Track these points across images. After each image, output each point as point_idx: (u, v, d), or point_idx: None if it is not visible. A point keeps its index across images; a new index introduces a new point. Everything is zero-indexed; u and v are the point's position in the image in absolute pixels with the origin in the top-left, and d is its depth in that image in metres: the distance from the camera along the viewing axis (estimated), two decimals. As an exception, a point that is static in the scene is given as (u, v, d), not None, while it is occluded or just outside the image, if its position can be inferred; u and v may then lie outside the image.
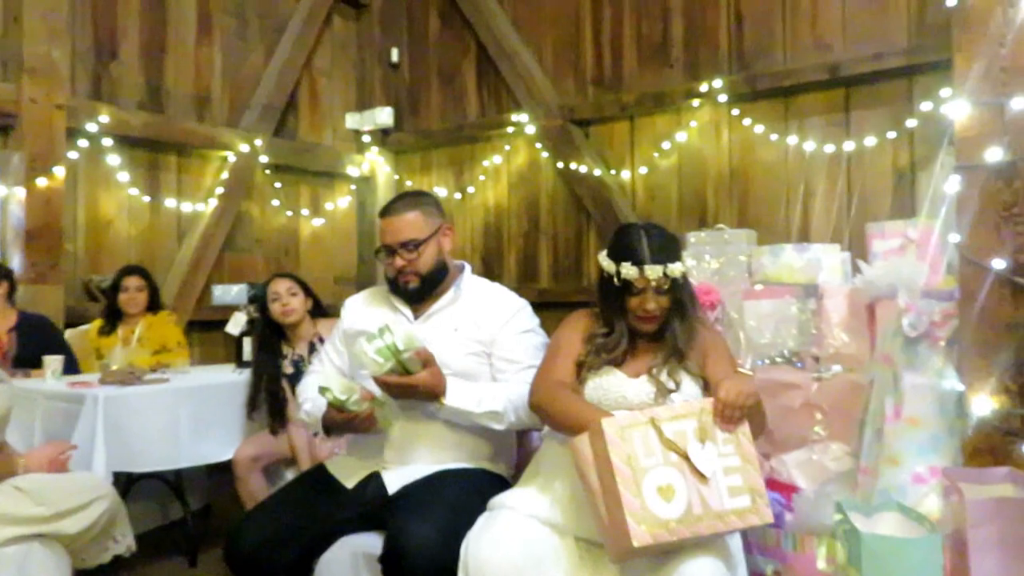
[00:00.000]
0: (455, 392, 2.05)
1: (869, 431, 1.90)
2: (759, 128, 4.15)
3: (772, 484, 2.14)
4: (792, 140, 4.05)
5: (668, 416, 1.65)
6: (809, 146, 4.00)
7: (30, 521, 2.09)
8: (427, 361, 2.01)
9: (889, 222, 2.46)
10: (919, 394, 1.81)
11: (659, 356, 1.92)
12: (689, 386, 1.90)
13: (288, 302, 3.30)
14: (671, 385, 1.87)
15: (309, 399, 2.23)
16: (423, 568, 1.79)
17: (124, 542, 2.35)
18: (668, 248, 1.89)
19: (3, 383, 2.19)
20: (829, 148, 3.93)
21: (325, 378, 2.11)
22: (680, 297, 1.92)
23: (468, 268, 2.31)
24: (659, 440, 1.62)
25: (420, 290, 2.18)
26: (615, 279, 1.88)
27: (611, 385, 1.89)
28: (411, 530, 1.84)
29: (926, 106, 3.61)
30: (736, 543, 1.82)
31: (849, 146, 3.87)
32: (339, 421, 2.09)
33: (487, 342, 2.17)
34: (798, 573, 1.96)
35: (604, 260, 1.92)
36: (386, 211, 2.21)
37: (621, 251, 1.89)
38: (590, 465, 1.64)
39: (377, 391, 2.05)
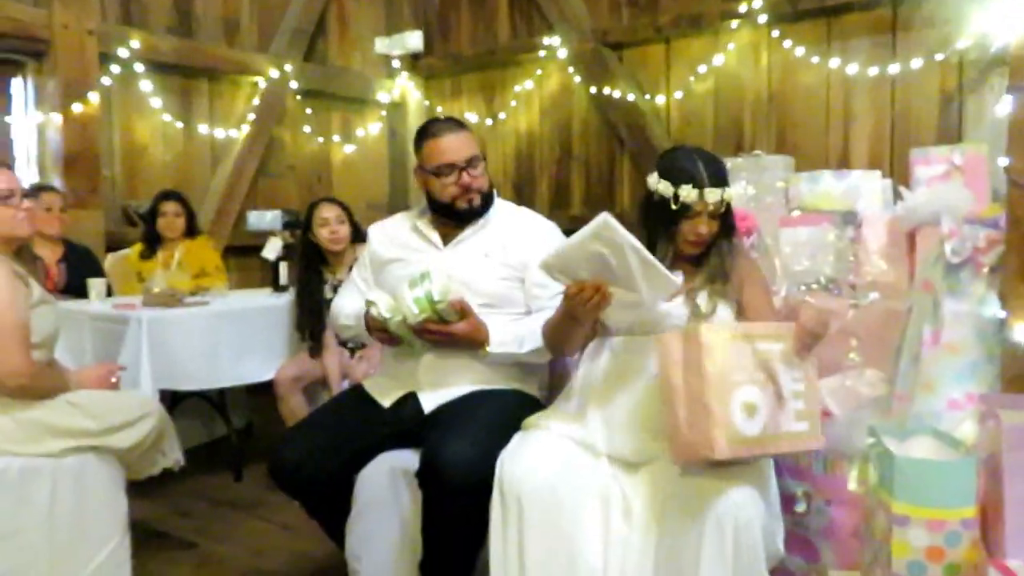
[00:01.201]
0: (498, 338, 2.08)
1: (905, 357, 1.90)
2: (800, 50, 4.02)
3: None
4: (834, 63, 3.93)
5: (761, 334, 1.66)
6: (852, 69, 3.87)
7: (83, 434, 2.18)
8: (464, 312, 2.03)
9: (934, 148, 2.39)
10: (959, 320, 1.80)
11: (697, 279, 1.92)
12: (724, 311, 1.90)
13: (337, 229, 3.32)
14: (707, 309, 1.87)
15: (349, 315, 2.29)
16: (458, 483, 1.85)
17: (172, 455, 2.45)
18: (723, 172, 1.89)
19: (49, 304, 2.25)
20: (873, 71, 3.81)
21: (377, 294, 2.13)
22: (729, 222, 1.92)
23: (495, 193, 2.31)
24: (753, 356, 1.62)
25: (480, 209, 2.20)
26: (672, 202, 1.85)
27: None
28: (447, 447, 1.89)
29: (978, 26, 3.46)
30: (767, 463, 1.85)
31: (894, 69, 3.75)
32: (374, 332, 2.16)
33: (519, 267, 2.18)
34: (828, 495, 1.99)
35: (659, 183, 1.88)
36: (439, 131, 2.17)
37: (678, 174, 1.86)
38: (677, 365, 1.64)
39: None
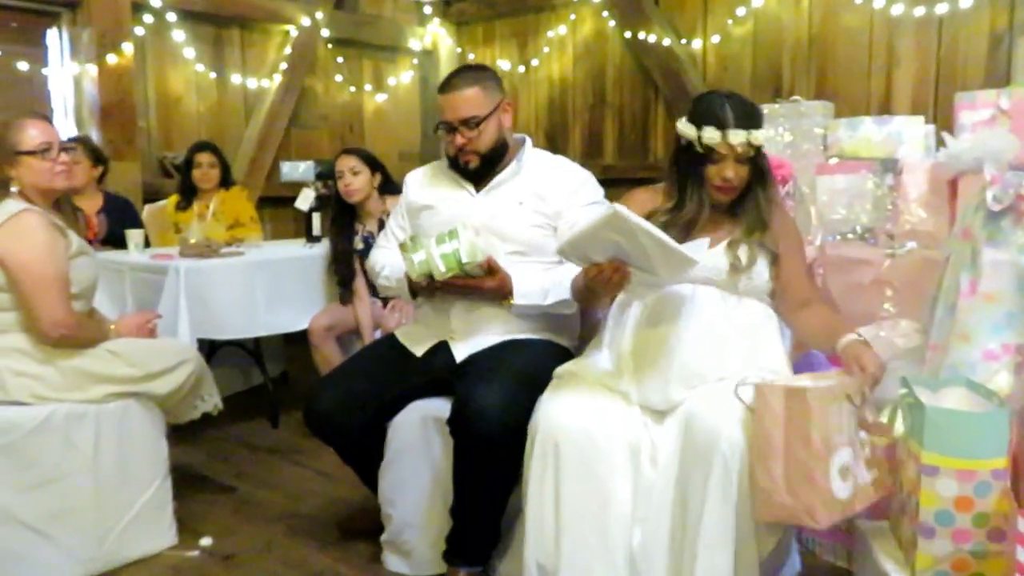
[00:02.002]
0: (523, 290, 2.08)
1: (941, 307, 1.86)
2: (843, -10, 3.88)
3: (835, 360, 2.14)
4: (878, 3, 3.78)
5: (856, 390, 1.61)
6: (897, 9, 3.73)
7: (124, 380, 2.25)
8: (492, 269, 2.04)
9: (980, 92, 2.30)
10: (998, 270, 1.75)
11: (737, 230, 1.89)
12: (762, 265, 1.87)
13: (350, 181, 3.28)
14: (747, 262, 1.85)
15: (387, 265, 2.30)
16: (488, 431, 1.89)
17: (211, 401, 2.51)
18: (752, 115, 1.82)
19: (88, 255, 2.30)
20: (919, 11, 3.67)
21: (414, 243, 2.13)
22: (762, 167, 1.87)
23: (529, 141, 2.28)
24: (851, 417, 1.58)
25: (480, 169, 2.18)
26: (696, 145, 1.81)
27: None
28: (477, 395, 1.92)
29: (1032, -39, 3.31)
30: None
31: (942, 8, 3.60)
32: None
33: (552, 215, 2.17)
34: (858, 445, 1.98)
35: (684, 125, 1.85)
36: (446, 86, 2.16)
37: (703, 116, 1.81)
38: (779, 424, 1.54)
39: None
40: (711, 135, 1.78)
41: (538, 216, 2.17)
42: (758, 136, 1.80)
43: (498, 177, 2.20)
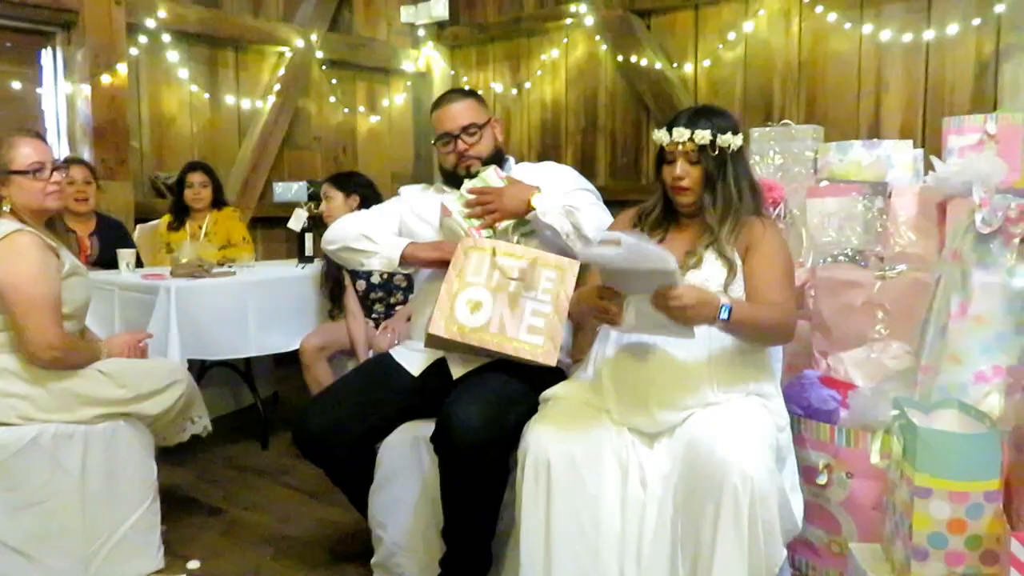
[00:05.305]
0: (546, 200, 2.11)
1: (932, 329, 1.87)
2: (832, 16, 3.93)
3: (828, 381, 2.14)
4: (867, 29, 3.84)
5: (506, 252, 2.01)
6: (885, 35, 3.78)
7: (114, 403, 2.23)
8: (511, 183, 2.14)
9: (968, 116, 2.33)
10: (988, 292, 1.76)
11: (696, 239, 1.92)
12: (712, 267, 1.85)
13: (324, 207, 3.40)
14: (691, 261, 1.85)
15: (375, 239, 2.24)
16: (467, 442, 1.88)
17: (200, 423, 2.49)
18: (705, 117, 1.86)
19: (80, 276, 2.28)
20: (907, 37, 3.72)
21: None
22: (711, 170, 1.86)
23: (512, 159, 2.38)
24: (490, 267, 1.99)
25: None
26: (661, 150, 1.92)
27: None
28: (459, 408, 1.92)
29: (1017, -11, 3.36)
30: (786, 437, 1.84)
31: (929, 35, 3.66)
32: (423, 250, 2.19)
33: None
34: (851, 467, 1.98)
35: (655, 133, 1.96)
36: (441, 102, 2.28)
37: (668, 123, 1.92)
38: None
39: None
40: (660, 135, 1.89)
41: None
42: (702, 135, 1.82)
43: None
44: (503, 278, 1.99)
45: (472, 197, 2.14)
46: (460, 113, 2.22)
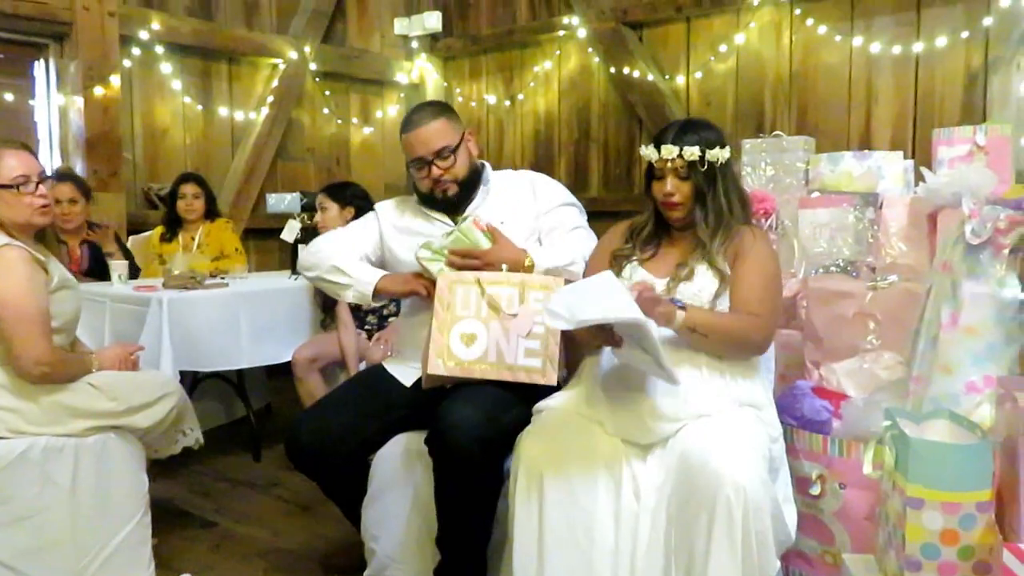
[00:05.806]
0: (542, 252, 2.12)
1: (923, 340, 1.87)
2: (822, 29, 3.96)
3: (820, 392, 2.15)
4: (857, 41, 3.87)
5: (492, 280, 1.99)
6: (875, 48, 3.81)
7: (104, 415, 2.21)
8: (494, 235, 2.08)
9: (957, 128, 2.35)
10: (978, 302, 1.77)
11: (683, 247, 1.94)
12: (704, 279, 1.87)
13: (319, 218, 3.40)
14: (683, 275, 1.87)
15: (347, 271, 2.21)
16: (461, 443, 1.86)
17: (192, 435, 2.48)
18: (692, 131, 1.87)
19: (70, 288, 2.26)
20: (896, 50, 3.75)
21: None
22: (700, 185, 1.87)
23: (488, 165, 2.33)
24: (478, 298, 1.98)
25: (459, 196, 2.20)
26: (650, 166, 1.92)
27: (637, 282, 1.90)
28: (453, 410, 1.91)
29: (1005, 2, 3.39)
30: (779, 448, 1.84)
31: (918, 47, 3.69)
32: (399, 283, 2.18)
33: (534, 225, 2.23)
34: (843, 477, 1.98)
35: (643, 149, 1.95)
36: (409, 125, 2.18)
37: (655, 138, 1.92)
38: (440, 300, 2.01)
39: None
40: (648, 152, 1.90)
41: (524, 229, 2.20)
42: (691, 152, 1.83)
43: (472, 204, 2.23)
44: (493, 307, 1.99)
45: (454, 258, 2.07)
46: (431, 136, 2.14)
